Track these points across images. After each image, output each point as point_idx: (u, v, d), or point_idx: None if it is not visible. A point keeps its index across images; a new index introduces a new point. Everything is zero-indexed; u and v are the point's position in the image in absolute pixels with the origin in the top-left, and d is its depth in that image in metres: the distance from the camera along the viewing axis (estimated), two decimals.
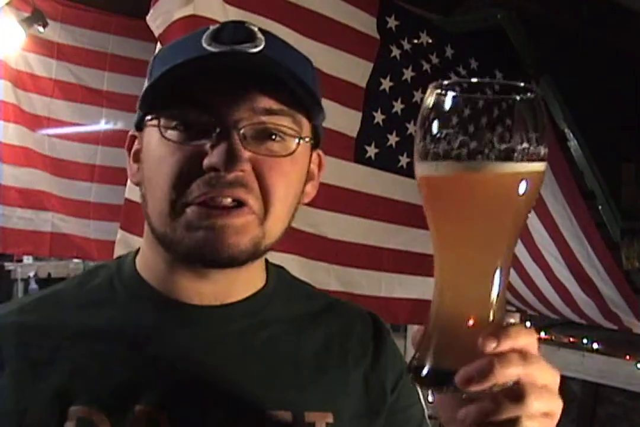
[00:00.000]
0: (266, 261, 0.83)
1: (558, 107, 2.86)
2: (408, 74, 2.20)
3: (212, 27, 0.71)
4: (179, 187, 0.67)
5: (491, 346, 0.51)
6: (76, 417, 0.67)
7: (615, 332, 3.44)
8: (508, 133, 0.50)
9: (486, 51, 2.62)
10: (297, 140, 0.71)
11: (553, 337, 3.78)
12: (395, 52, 2.15)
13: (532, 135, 0.51)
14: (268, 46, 0.70)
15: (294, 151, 0.70)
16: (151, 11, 1.59)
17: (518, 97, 0.51)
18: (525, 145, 0.51)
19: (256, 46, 0.69)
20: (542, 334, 3.83)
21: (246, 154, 0.67)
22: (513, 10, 2.76)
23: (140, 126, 0.75)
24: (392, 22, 2.13)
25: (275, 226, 0.71)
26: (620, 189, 3.30)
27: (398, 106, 2.15)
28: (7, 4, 2.67)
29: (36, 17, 2.76)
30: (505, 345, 0.51)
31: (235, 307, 0.76)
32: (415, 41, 2.22)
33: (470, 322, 0.54)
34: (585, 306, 3.31)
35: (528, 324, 3.98)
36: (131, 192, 1.70)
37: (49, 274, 6.96)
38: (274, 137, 0.69)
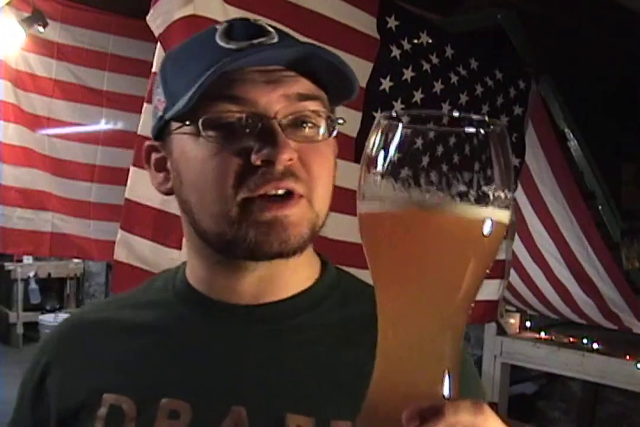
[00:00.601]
0: (325, 263, 0.83)
1: (558, 107, 2.86)
2: (408, 74, 2.20)
3: (219, 27, 0.72)
4: (232, 185, 0.68)
5: (412, 424, 0.44)
6: (108, 404, 0.73)
7: (615, 332, 3.44)
8: (463, 171, 0.44)
9: (486, 51, 2.62)
10: (328, 124, 0.73)
11: (553, 337, 3.78)
12: (395, 52, 2.15)
13: (493, 175, 0.44)
14: (282, 38, 0.71)
15: (328, 136, 0.73)
16: (151, 11, 1.59)
17: (480, 131, 0.45)
18: (485, 187, 0.44)
19: (272, 38, 0.70)
20: (542, 334, 3.83)
21: (291, 143, 0.68)
22: (513, 10, 2.76)
23: (160, 135, 0.75)
24: (392, 22, 2.13)
25: (324, 206, 0.73)
26: (620, 189, 3.31)
27: (398, 106, 2.15)
28: (7, 4, 2.67)
29: (36, 17, 2.76)
30: (434, 424, 0.44)
31: (275, 306, 0.76)
32: (415, 41, 2.22)
33: (406, 391, 0.48)
34: (585, 306, 3.32)
35: (528, 324, 3.98)
36: (131, 192, 1.70)
37: (49, 274, 6.97)
38: (308, 123, 0.71)
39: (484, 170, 0.44)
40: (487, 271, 0.48)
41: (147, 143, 0.78)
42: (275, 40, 0.70)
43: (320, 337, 0.75)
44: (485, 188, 0.44)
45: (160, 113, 0.74)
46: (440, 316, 0.48)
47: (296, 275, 0.78)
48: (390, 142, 0.46)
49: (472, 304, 0.49)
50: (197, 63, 0.70)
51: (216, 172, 0.68)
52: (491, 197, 0.45)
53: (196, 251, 0.77)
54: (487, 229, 0.45)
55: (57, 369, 0.79)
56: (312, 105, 0.71)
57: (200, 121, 0.68)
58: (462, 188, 0.44)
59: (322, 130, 0.72)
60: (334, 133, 0.73)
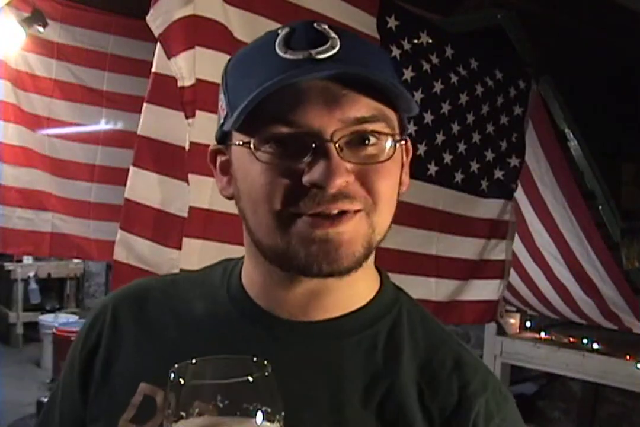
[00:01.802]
0: (384, 279, 0.81)
1: (558, 107, 2.86)
2: (408, 74, 2.20)
3: (281, 31, 0.69)
4: (282, 204, 0.67)
5: None
6: (144, 394, 0.73)
7: (615, 332, 3.44)
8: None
9: (486, 51, 2.62)
10: (391, 142, 0.69)
11: (553, 337, 3.78)
12: (395, 52, 2.15)
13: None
14: (344, 46, 0.68)
15: (392, 155, 0.69)
16: (151, 11, 1.59)
17: (249, 378, 0.57)
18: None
19: (333, 47, 0.67)
20: (542, 334, 3.83)
21: (346, 165, 0.66)
22: (513, 10, 2.76)
23: (224, 141, 0.75)
24: (392, 22, 2.13)
25: (383, 221, 0.71)
26: (620, 189, 3.31)
27: None
28: (7, 4, 2.67)
29: (36, 17, 2.76)
30: None
31: (322, 326, 0.75)
32: (415, 41, 2.22)
33: None
34: (585, 306, 3.32)
35: (528, 324, 3.98)
36: (131, 192, 1.70)
37: (49, 274, 6.96)
38: (368, 141, 0.68)
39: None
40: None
41: (212, 147, 0.78)
42: (336, 49, 0.67)
43: (358, 363, 0.74)
44: None
45: (222, 120, 0.73)
46: None
47: (352, 290, 0.76)
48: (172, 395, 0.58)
49: None
50: (255, 73, 0.68)
51: (267, 190, 0.67)
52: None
53: (251, 257, 0.77)
54: None
55: (107, 345, 0.79)
56: (372, 126, 0.67)
57: (253, 141, 0.67)
58: None
59: (383, 149, 0.69)
60: (396, 151, 0.70)
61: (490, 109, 2.55)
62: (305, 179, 0.65)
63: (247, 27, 1.71)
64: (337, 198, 0.66)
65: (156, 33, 1.59)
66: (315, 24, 0.69)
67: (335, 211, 0.66)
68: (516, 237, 2.88)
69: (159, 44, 1.61)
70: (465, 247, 2.57)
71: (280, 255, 0.69)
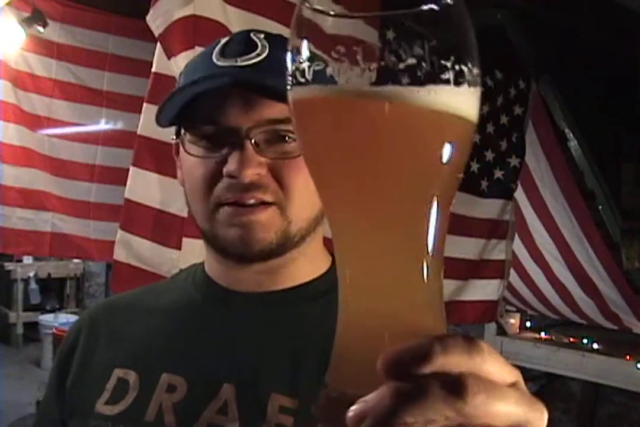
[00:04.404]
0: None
1: (558, 107, 2.86)
2: None
3: (222, 40, 0.79)
4: (207, 192, 0.76)
5: (390, 372, 0.34)
6: (117, 377, 0.80)
7: (615, 332, 3.44)
8: (419, 49, 0.36)
9: (486, 51, 2.62)
10: None
11: (553, 337, 3.78)
12: None
13: (450, 51, 0.38)
14: (271, 54, 0.76)
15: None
16: (151, 11, 1.59)
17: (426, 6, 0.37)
18: (442, 63, 0.37)
19: (259, 55, 0.76)
20: (542, 334, 3.83)
21: (260, 159, 0.74)
22: (513, 10, 2.76)
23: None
24: None
25: (299, 212, 0.77)
26: (620, 189, 3.31)
27: None
28: (7, 4, 2.67)
29: (36, 17, 2.76)
30: (418, 368, 0.34)
31: (274, 295, 0.82)
32: None
33: (378, 331, 0.38)
34: (585, 306, 3.32)
35: (528, 324, 3.98)
36: (131, 192, 1.70)
37: (49, 274, 6.97)
38: (288, 138, 0.76)
39: (438, 46, 0.37)
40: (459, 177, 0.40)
41: (175, 141, 0.87)
42: (262, 57, 0.75)
43: (313, 326, 0.79)
44: (441, 62, 0.37)
45: None
46: (409, 226, 0.39)
47: (297, 269, 0.83)
48: (327, 14, 0.38)
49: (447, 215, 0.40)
50: (192, 75, 0.78)
51: (197, 181, 0.77)
52: (450, 71, 0.37)
53: (205, 243, 0.85)
54: (450, 117, 0.37)
55: (83, 345, 0.87)
56: (285, 126, 0.75)
57: (186, 137, 0.78)
58: (416, 65, 0.37)
59: (295, 146, 0.76)
60: None
61: (490, 109, 2.55)
62: (224, 170, 0.74)
63: (247, 27, 1.70)
64: (249, 188, 0.74)
65: (156, 33, 1.59)
66: (251, 34, 0.79)
67: (251, 201, 0.74)
68: (516, 237, 2.88)
69: (159, 44, 1.61)
70: (465, 247, 2.57)
71: (210, 238, 0.79)
